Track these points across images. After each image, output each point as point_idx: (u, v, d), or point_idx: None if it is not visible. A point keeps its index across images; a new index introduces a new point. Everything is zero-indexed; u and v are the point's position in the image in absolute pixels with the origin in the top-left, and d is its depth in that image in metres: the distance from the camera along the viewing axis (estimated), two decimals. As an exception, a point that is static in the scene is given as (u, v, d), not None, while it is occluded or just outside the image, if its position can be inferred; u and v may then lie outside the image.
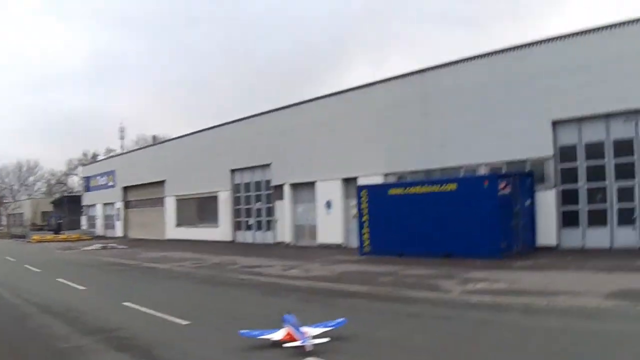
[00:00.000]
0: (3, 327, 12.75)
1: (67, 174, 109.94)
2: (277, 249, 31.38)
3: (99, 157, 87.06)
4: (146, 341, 10.45)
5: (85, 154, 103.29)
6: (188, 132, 47.34)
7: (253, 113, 37.87)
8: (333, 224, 30.06)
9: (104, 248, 41.11)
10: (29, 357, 9.90)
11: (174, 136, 50.53)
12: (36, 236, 61.67)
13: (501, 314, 11.36)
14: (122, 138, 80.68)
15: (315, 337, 9.20)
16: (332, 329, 9.71)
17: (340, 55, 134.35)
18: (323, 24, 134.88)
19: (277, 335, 9.48)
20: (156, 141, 62.41)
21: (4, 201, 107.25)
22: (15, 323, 13.19)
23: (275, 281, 18.39)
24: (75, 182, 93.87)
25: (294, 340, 9.12)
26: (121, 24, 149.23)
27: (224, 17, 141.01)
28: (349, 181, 29.19)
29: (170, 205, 48.33)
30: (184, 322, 11.95)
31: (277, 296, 15.29)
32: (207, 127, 43.94)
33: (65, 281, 20.88)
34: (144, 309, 13.74)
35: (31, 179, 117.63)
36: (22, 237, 68.43)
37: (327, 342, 9.10)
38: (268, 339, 9.43)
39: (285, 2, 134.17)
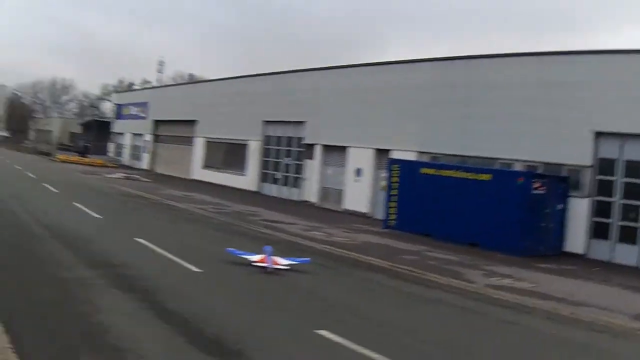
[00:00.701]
0: (7, 246, 12.70)
1: (100, 99, 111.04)
2: (301, 207, 31.67)
3: (134, 87, 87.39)
4: (152, 284, 10.28)
5: (121, 81, 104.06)
6: (226, 77, 47.41)
7: (293, 68, 37.86)
8: (360, 192, 30.23)
9: (127, 178, 41.57)
10: (28, 283, 9.66)
11: (211, 78, 50.38)
12: (61, 155, 62.56)
13: (523, 315, 11.27)
14: (160, 72, 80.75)
15: (280, 264, 12.53)
16: (297, 263, 12.89)
17: (385, 32, 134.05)
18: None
19: (254, 257, 12.70)
20: (192, 80, 62.24)
21: (34, 116, 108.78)
22: (21, 244, 13.08)
23: (294, 240, 18.35)
24: (107, 108, 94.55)
25: (263, 263, 12.40)
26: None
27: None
28: (381, 152, 29.19)
29: (199, 146, 48.81)
30: (196, 269, 11.82)
31: (292, 255, 14.74)
32: (245, 74, 43.92)
33: (81, 206, 21.03)
34: (155, 248, 13.73)
35: (64, 97, 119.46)
36: (48, 154, 69.03)
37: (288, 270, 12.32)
38: (246, 259, 12.71)
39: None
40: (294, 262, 12.97)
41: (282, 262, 12.75)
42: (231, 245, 14.11)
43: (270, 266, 12.34)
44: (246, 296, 10.42)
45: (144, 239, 14.72)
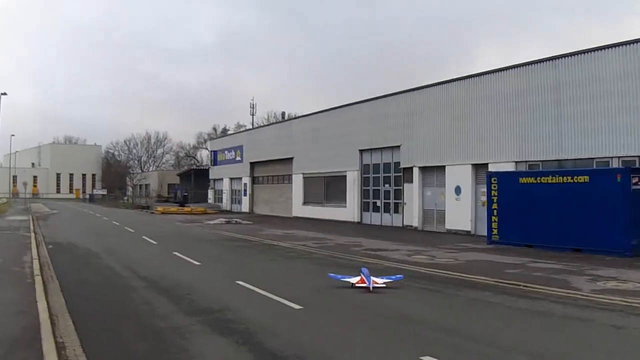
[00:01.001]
0: (104, 300, 13.11)
1: (196, 148, 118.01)
2: (403, 233, 33.28)
3: (229, 132, 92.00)
4: (252, 325, 10.42)
5: (215, 129, 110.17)
6: (317, 110, 50.60)
7: (383, 94, 40.22)
8: (461, 210, 31.65)
9: (227, 222, 43.66)
10: (122, 335, 9.91)
11: (302, 113, 53.19)
12: (160, 207, 66.22)
13: (632, 319, 11.22)
14: (253, 114, 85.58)
15: (378, 284, 14.15)
16: (391, 281, 14.57)
17: (471, 43, 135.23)
18: (455, 7, 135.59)
19: (354, 280, 14.37)
20: (285, 118, 65.66)
21: (131, 172, 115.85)
22: (117, 297, 13.51)
23: (398, 266, 18.56)
24: (204, 156, 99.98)
25: (364, 283, 14.06)
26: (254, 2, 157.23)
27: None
28: (478, 167, 30.79)
29: (297, 182, 51.90)
30: (297, 307, 12.05)
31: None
32: (336, 105, 46.80)
33: (180, 255, 21.62)
34: (256, 289, 13.99)
35: (160, 151, 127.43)
36: (146, 208, 73.26)
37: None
38: (348, 282, 14.38)
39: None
40: (389, 280, 14.54)
41: (380, 281, 14.31)
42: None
43: (371, 285, 13.86)
44: (348, 326, 10.67)
45: (244, 281, 15.12)
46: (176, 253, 22.19)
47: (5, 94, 51.27)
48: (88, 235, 31.78)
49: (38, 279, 14.68)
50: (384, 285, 14.23)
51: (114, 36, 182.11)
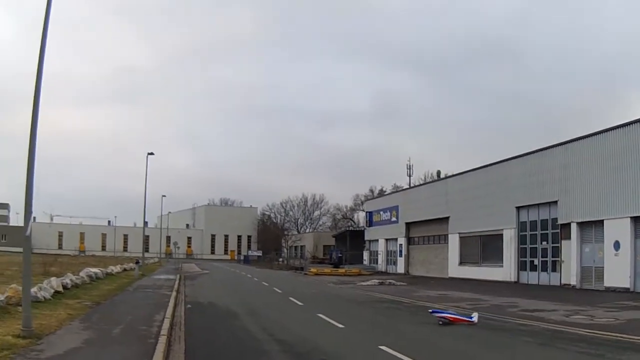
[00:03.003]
0: None
1: (352, 210, 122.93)
2: (560, 292, 34.20)
3: (385, 192, 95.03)
4: None
5: (372, 190, 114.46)
6: (472, 168, 52.75)
7: (538, 147, 41.83)
8: (620, 265, 32.14)
9: (381, 284, 45.22)
10: None
11: (457, 172, 55.09)
12: (314, 269, 69.62)
13: None
14: (410, 175, 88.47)
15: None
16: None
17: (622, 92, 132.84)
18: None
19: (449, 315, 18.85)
20: (440, 177, 67.83)
21: (286, 234, 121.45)
22: None
23: (555, 328, 18.49)
24: (360, 217, 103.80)
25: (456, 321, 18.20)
26: (404, 63, 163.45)
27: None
28: (637, 220, 31.50)
29: (453, 242, 53.97)
30: None
31: (553, 347, 15.10)
32: (491, 162, 48.79)
33: (324, 317, 21.34)
34: (400, 356, 13.40)
35: (316, 213, 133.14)
36: (300, 269, 77.04)
37: None
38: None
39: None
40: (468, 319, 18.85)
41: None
42: (487, 345, 15.88)
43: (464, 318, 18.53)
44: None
45: (388, 346, 14.47)
46: (321, 315, 21.99)
47: (152, 153, 56.29)
48: (232, 295, 33.28)
49: (162, 339, 14.49)
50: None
51: (267, 99, 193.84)
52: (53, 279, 25.85)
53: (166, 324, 17.42)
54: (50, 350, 12.57)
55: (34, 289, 21.86)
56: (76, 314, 19.37)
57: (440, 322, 18.39)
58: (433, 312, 19.48)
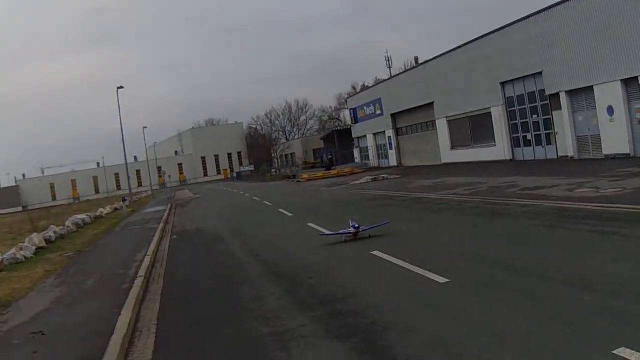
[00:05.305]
0: (206, 301, 12.18)
1: (338, 109, 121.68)
2: (559, 165, 33.23)
3: (367, 87, 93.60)
4: (381, 318, 8.60)
5: (354, 87, 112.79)
6: (451, 49, 50.51)
7: (515, 19, 39.61)
8: (617, 131, 30.93)
9: (374, 180, 44.99)
10: (214, 344, 8.90)
11: (436, 55, 53.42)
12: (306, 175, 69.81)
13: None
14: (389, 67, 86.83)
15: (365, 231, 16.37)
16: (379, 227, 16.74)
17: None
18: None
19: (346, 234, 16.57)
20: (418, 62, 66.09)
21: (275, 143, 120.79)
22: (224, 294, 12.45)
23: (560, 205, 17.12)
24: (347, 116, 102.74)
25: (356, 234, 16.31)
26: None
27: None
28: (629, 82, 29.96)
29: (442, 127, 52.92)
30: (442, 280, 10.18)
31: (561, 229, 13.69)
32: (470, 39, 46.68)
33: (314, 226, 20.71)
34: (393, 260, 12.52)
35: (302, 118, 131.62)
36: (292, 177, 77.29)
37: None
38: (341, 238, 16.55)
39: None
40: (377, 227, 16.88)
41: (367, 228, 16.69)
42: (486, 234, 14.73)
43: (362, 232, 16.55)
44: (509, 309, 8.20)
45: (380, 250, 13.81)
46: (311, 224, 21.45)
47: (122, 87, 55.06)
48: (220, 218, 33.33)
49: (139, 281, 14.12)
50: (369, 235, 16.40)
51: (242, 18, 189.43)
52: (34, 235, 25.56)
53: (146, 263, 17.32)
54: (15, 319, 11.96)
55: (12, 251, 21.73)
56: (54, 270, 18.91)
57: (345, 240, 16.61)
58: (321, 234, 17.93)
